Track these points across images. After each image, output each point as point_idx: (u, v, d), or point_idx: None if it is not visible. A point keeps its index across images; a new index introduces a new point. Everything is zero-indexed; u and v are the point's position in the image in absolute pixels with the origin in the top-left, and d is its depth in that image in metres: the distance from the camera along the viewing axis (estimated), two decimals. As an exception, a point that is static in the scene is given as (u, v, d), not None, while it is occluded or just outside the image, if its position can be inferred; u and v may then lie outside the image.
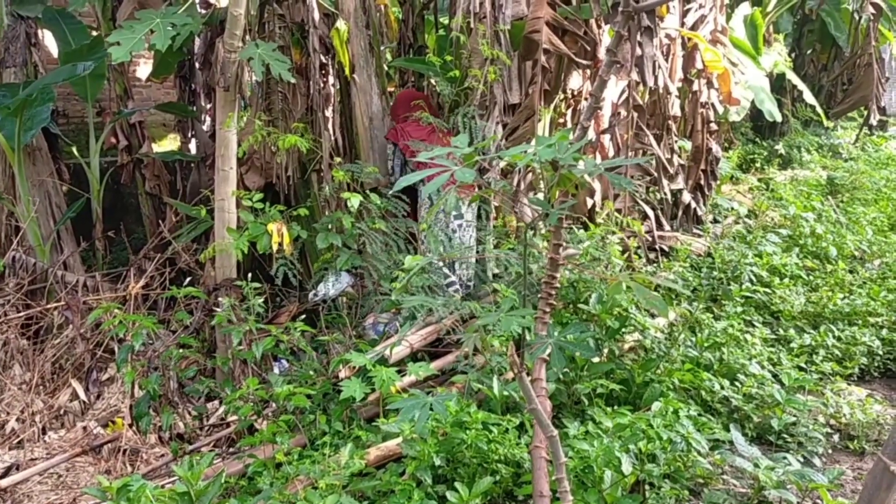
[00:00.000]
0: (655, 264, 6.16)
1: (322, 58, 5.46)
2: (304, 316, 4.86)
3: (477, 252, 5.28)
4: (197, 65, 6.87)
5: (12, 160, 5.56)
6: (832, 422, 4.29)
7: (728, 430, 3.82)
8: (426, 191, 2.01)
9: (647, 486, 3.36)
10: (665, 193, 6.72)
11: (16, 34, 6.02)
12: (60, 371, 4.83)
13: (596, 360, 4.26)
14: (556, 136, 1.87)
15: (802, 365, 4.76)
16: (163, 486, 3.54)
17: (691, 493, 3.52)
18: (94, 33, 6.48)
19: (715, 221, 7.57)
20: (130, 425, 4.19)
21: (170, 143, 8.49)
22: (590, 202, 6.28)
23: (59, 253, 5.86)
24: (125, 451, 4.08)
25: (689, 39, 6.78)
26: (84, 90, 6.22)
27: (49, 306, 5.16)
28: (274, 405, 3.90)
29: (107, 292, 5.27)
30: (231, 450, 4.01)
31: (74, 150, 6.53)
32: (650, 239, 6.39)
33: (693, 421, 3.58)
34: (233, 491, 3.37)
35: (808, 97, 9.58)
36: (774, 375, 4.54)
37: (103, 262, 6.37)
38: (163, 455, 4.07)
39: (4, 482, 3.73)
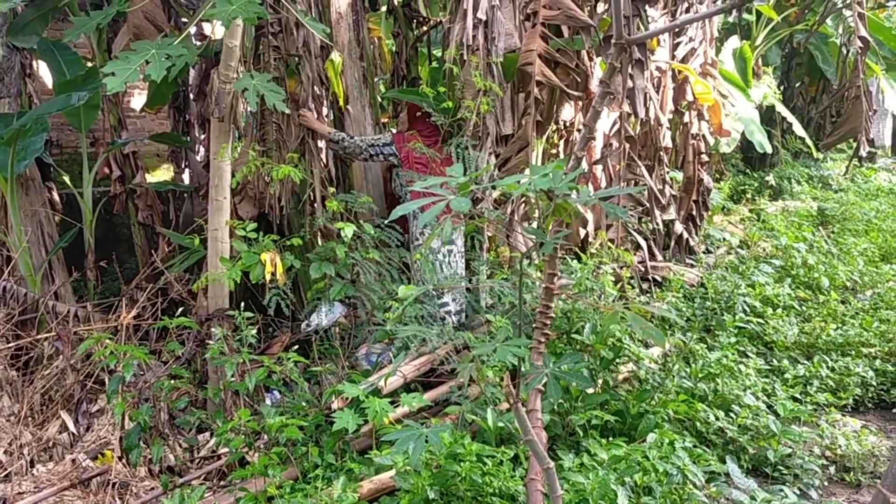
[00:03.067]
0: (648, 294, 6.17)
1: (316, 89, 5.50)
2: (296, 346, 4.82)
3: (470, 282, 5.28)
4: (191, 95, 6.91)
5: (5, 190, 5.55)
6: (828, 453, 4.27)
7: (723, 462, 3.80)
8: (422, 220, 2.02)
9: (643, 519, 3.32)
10: (657, 224, 6.76)
11: (11, 65, 6.04)
12: (50, 402, 4.76)
13: (590, 390, 4.24)
14: (552, 166, 1.88)
15: (797, 396, 4.76)
16: (152, 521, 3.49)
17: (688, 526, 3.48)
18: (89, 64, 6.51)
19: (707, 252, 7.61)
20: (120, 458, 4.13)
21: (163, 174, 8.50)
22: (582, 232, 6.30)
23: (50, 283, 5.82)
24: (114, 484, 4.00)
25: (680, 72, 6.87)
26: (78, 121, 6.23)
27: (39, 337, 5.11)
28: (266, 437, 3.85)
29: (98, 322, 5.22)
30: (222, 483, 3.95)
31: (67, 179, 6.53)
32: (643, 269, 6.41)
33: (689, 453, 3.56)
34: (223, 525, 3.31)
35: (798, 129, 9.70)
36: (769, 406, 4.53)
37: (95, 293, 6.33)
38: (153, 488, 4.00)
39: (-10, 516, 3.67)
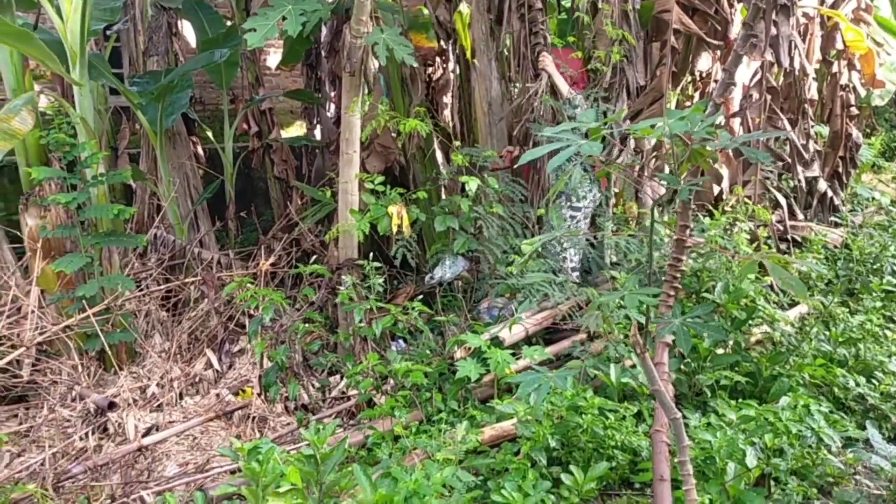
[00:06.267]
0: (787, 255, 5.86)
1: (443, 43, 5.50)
2: (420, 298, 4.93)
3: (595, 237, 5.20)
4: (323, 53, 7.09)
5: (155, 143, 5.94)
6: (982, 427, 3.95)
7: (862, 429, 3.59)
8: (550, 166, 2.00)
9: (772, 481, 3.21)
10: (799, 181, 6.38)
11: (158, 24, 6.42)
12: (196, 342, 5.14)
13: (720, 351, 4.11)
14: (690, 110, 1.81)
15: (950, 365, 4.41)
16: (288, 452, 3.71)
17: (820, 491, 3.34)
18: (229, 23, 6.82)
19: (853, 212, 7.12)
20: (259, 394, 4.41)
21: (296, 130, 8.82)
22: (717, 189, 6.04)
23: (195, 231, 6.23)
24: (254, 417, 4.30)
25: (829, 18, 6.38)
26: (219, 78, 6.56)
27: (186, 281, 5.50)
28: (392, 381, 3.99)
29: (238, 269, 5.56)
30: (351, 422, 4.14)
31: (210, 134, 6.90)
32: (781, 229, 6.08)
33: (825, 417, 3.40)
34: (353, 459, 3.48)
35: (964, 79, 8.81)
36: (918, 375, 4.23)
37: (235, 241, 6.72)
38: (288, 423, 4.26)
39: (146, 440, 4.03)
